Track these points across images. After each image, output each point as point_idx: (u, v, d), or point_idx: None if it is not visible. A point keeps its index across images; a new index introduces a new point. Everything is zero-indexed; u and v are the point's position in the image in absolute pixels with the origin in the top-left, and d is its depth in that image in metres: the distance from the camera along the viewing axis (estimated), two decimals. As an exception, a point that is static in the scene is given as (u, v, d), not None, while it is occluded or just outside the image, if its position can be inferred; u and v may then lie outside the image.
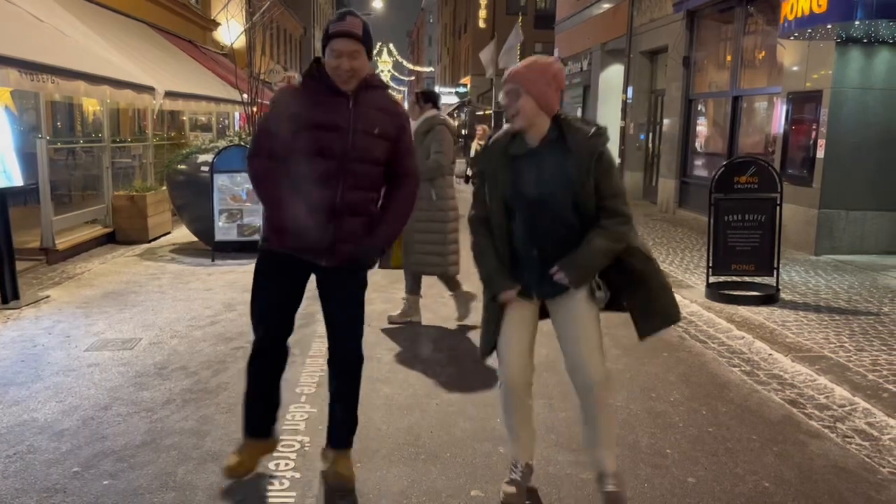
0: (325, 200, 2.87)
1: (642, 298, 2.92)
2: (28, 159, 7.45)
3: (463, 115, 42.83)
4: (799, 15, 8.20)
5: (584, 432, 3.01)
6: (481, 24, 39.63)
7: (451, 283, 5.75)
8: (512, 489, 3.01)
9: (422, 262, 5.58)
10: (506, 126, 2.97)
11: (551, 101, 2.79)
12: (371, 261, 3.10)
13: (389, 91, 3.12)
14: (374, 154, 2.93)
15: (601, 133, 2.79)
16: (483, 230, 2.96)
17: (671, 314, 2.95)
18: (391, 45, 65.99)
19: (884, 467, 3.53)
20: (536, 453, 3.26)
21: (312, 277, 3.09)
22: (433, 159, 5.41)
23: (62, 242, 8.25)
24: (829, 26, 8.12)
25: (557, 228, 2.82)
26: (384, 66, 66.35)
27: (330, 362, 3.19)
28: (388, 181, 3.06)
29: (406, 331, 5.63)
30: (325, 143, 2.84)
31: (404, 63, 72.33)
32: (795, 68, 9.78)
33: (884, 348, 5.31)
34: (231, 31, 18.40)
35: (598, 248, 2.79)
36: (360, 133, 2.87)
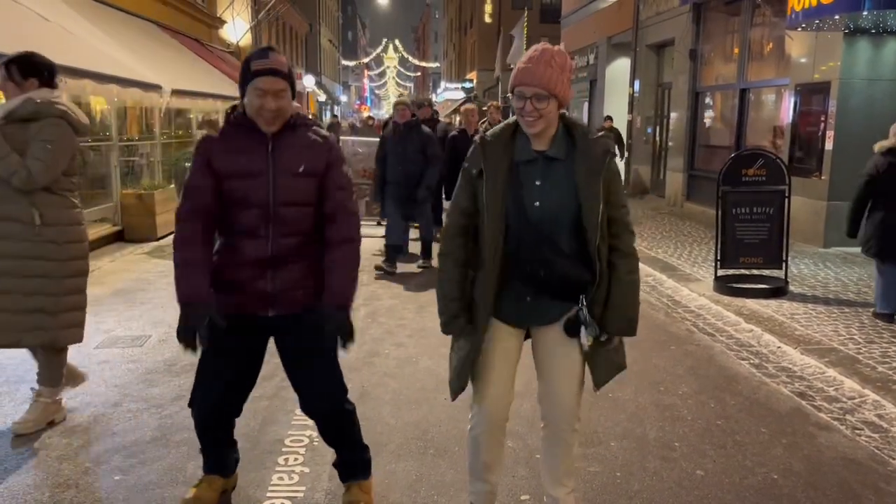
0: (255, 252, 2.66)
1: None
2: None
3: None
4: (806, 6, 8.15)
5: (543, 458, 2.72)
6: (487, 19, 39.50)
7: (56, 360, 3.77)
8: None
9: (8, 327, 3.51)
10: (506, 121, 2.56)
11: (569, 98, 2.44)
12: (335, 329, 2.69)
13: (316, 128, 2.81)
14: (302, 196, 2.68)
15: (607, 135, 2.56)
16: (456, 247, 2.54)
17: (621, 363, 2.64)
18: (397, 42, 65.95)
19: (893, 459, 3.52)
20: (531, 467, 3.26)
21: None
22: (20, 163, 3.43)
23: (71, 241, 8.28)
24: (836, 17, 8.07)
25: (555, 250, 2.42)
26: (390, 63, 66.36)
27: (306, 413, 2.94)
28: (321, 223, 2.76)
29: (413, 326, 5.64)
30: (245, 191, 2.63)
31: (410, 59, 72.28)
32: (803, 60, 9.72)
33: (893, 340, 5.29)
34: (237, 28, 18.46)
35: (635, 286, 2.51)
36: (282, 175, 2.64)
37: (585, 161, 2.41)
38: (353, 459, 3.00)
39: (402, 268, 7.70)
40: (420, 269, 7.82)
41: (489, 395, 2.60)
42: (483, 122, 9.05)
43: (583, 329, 2.46)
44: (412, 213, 7.73)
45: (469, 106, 8.44)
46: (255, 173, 2.64)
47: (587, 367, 2.58)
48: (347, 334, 2.70)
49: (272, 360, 4.92)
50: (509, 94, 2.50)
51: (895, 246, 5.63)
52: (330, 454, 3.43)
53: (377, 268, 7.63)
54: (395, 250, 7.74)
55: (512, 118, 2.52)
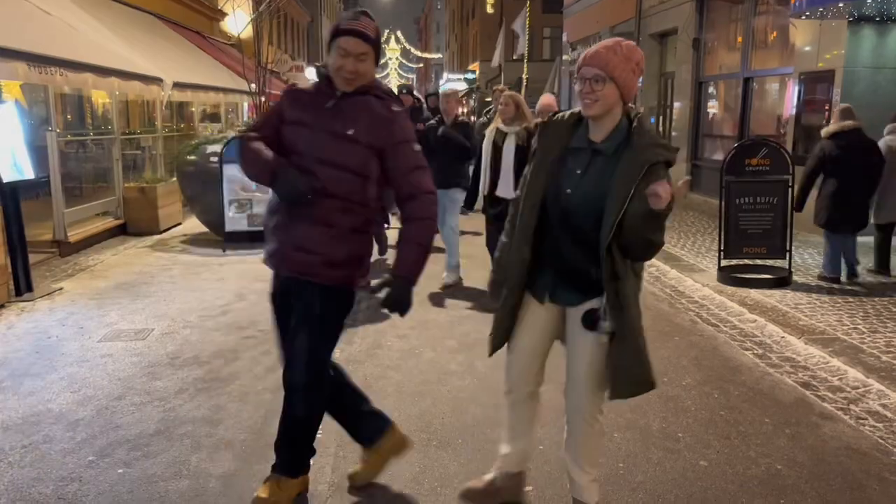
0: (287, 203, 2.68)
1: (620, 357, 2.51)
2: (39, 152, 7.48)
3: (472, 102, 42.62)
4: (811, -7, 8.10)
5: (566, 441, 2.76)
6: (489, 10, 39.35)
7: None
8: (478, 485, 2.90)
9: None
10: (574, 108, 2.60)
11: (633, 90, 2.45)
12: (396, 299, 2.65)
13: (392, 102, 2.76)
14: (344, 159, 2.64)
15: (667, 145, 2.46)
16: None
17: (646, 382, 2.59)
18: (398, 33, 65.75)
19: (898, 449, 3.51)
20: (557, 439, 3.26)
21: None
22: None
23: (74, 235, 8.31)
24: (840, 4, 8.02)
25: (575, 239, 2.49)
26: (392, 54, 66.17)
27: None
28: (399, 206, 2.76)
29: (415, 318, 5.63)
30: (293, 139, 2.69)
31: (412, 50, 72.07)
32: (807, 48, 9.66)
33: (898, 329, 5.27)
34: (238, 20, 18.39)
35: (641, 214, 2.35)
36: (327, 132, 2.65)
37: (628, 163, 2.38)
38: (283, 445, 2.90)
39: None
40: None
41: (512, 364, 2.76)
42: (488, 111, 8.83)
43: (601, 323, 2.48)
44: None
45: (448, 90, 7.38)
46: (306, 124, 2.69)
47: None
48: (405, 307, 2.68)
49: (274, 351, 4.92)
50: (578, 77, 2.47)
51: (840, 217, 6.47)
52: (333, 446, 3.45)
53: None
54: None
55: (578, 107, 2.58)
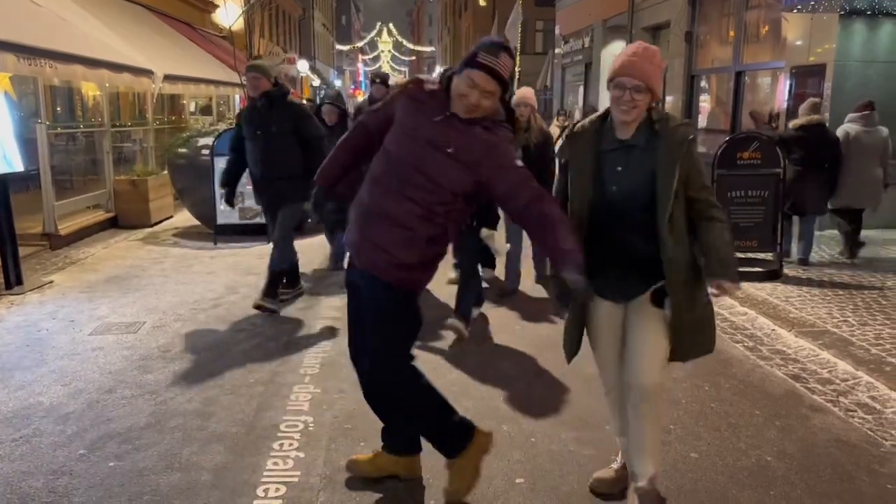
0: (371, 198, 2.73)
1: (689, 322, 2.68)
2: (28, 145, 7.43)
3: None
4: (802, -13, 8.11)
5: (628, 435, 2.84)
6: (482, 2, 39.29)
7: None
8: (607, 474, 3.04)
9: None
10: (593, 114, 2.77)
11: (659, 94, 2.67)
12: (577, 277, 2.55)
13: (500, 129, 2.70)
14: (438, 174, 2.61)
15: (689, 123, 2.63)
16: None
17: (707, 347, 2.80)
18: (391, 25, 65.53)
19: (886, 440, 3.54)
20: (549, 432, 3.27)
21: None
22: None
23: (64, 228, 8.26)
24: (832, -2, 8.03)
25: (629, 227, 2.63)
26: (384, 47, 65.98)
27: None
28: (523, 217, 2.69)
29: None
30: (394, 140, 2.71)
31: (405, 43, 71.88)
32: (799, 42, 9.68)
33: (887, 322, 5.31)
34: (229, 12, 18.29)
35: (727, 239, 2.66)
36: (430, 144, 2.62)
37: (665, 148, 2.58)
38: (408, 430, 3.04)
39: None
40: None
41: (601, 362, 2.90)
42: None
43: (666, 300, 2.65)
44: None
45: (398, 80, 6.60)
46: (411, 130, 2.67)
47: (670, 343, 2.70)
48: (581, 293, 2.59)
49: (266, 343, 4.92)
50: (609, 87, 2.63)
51: (807, 203, 6.99)
52: (326, 439, 3.45)
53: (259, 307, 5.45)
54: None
55: (599, 112, 2.74)
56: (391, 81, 7.60)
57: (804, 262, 7.15)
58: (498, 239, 5.17)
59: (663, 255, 2.58)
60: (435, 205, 2.65)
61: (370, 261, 2.74)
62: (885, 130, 7.16)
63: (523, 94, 5.91)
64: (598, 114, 2.76)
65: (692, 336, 2.71)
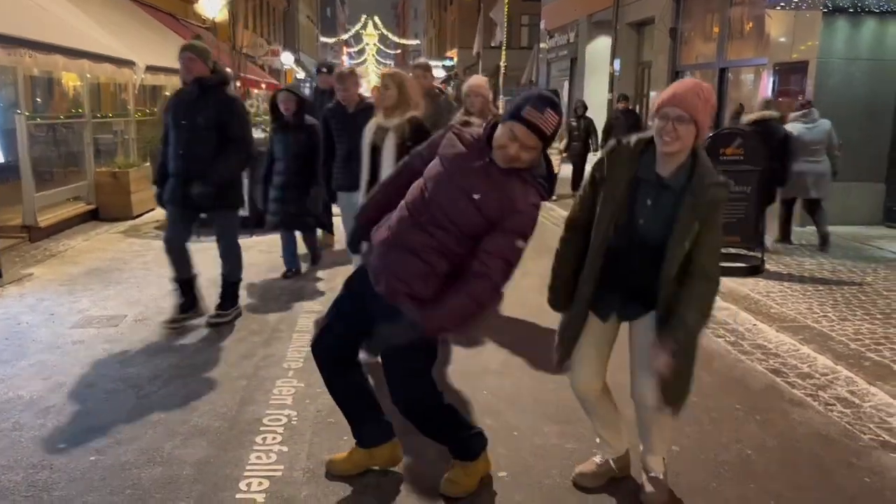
0: (399, 227, 2.68)
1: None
2: (7, 136, 7.33)
3: (450, 89, 42.53)
4: (786, -16, 8.17)
5: (638, 434, 3.04)
6: (467, -3, 39.23)
7: None
8: (588, 468, 3.10)
9: None
10: (641, 134, 2.72)
11: (707, 131, 2.64)
12: (395, 329, 2.63)
13: (533, 188, 2.63)
14: (459, 218, 2.57)
15: (727, 184, 2.63)
16: (574, 236, 2.83)
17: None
18: (376, 18, 65.19)
19: (865, 434, 3.58)
20: (532, 426, 3.29)
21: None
22: None
23: (44, 220, 8.16)
24: (816, -4, 8.10)
25: (648, 263, 2.64)
26: (369, 40, 65.64)
27: None
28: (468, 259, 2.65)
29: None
30: (430, 175, 2.68)
31: (390, 36, 71.59)
32: (782, 39, 9.75)
33: (866, 318, 5.37)
34: (212, 3, 18.11)
35: (694, 326, 2.62)
36: (458, 188, 2.58)
37: (693, 201, 2.57)
38: (447, 445, 3.03)
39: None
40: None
41: (575, 374, 2.96)
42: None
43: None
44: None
45: (346, 70, 5.57)
46: (447, 170, 2.63)
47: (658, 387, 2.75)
48: (383, 343, 2.69)
49: (250, 338, 4.89)
50: (654, 118, 2.59)
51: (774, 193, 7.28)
52: (309, 433, 3.44)
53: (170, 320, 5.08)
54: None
55: (646, 134, 2.68)
56: (360, 72, 7.05)
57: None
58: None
59: (662, 291, 2.63)
60: (453, 245, 2.62)
61: (390, 289, 2.69)
62: (827, 123, 7.57)
63: (476, 84, 5.26)
64: (643, 136, 2.69)
65: (678, 380, 2.70)
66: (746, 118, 7.69)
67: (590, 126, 11.80)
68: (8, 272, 6.33)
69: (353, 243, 3.08)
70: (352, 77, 5.24)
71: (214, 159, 4.72)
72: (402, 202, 2.75)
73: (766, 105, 7.60)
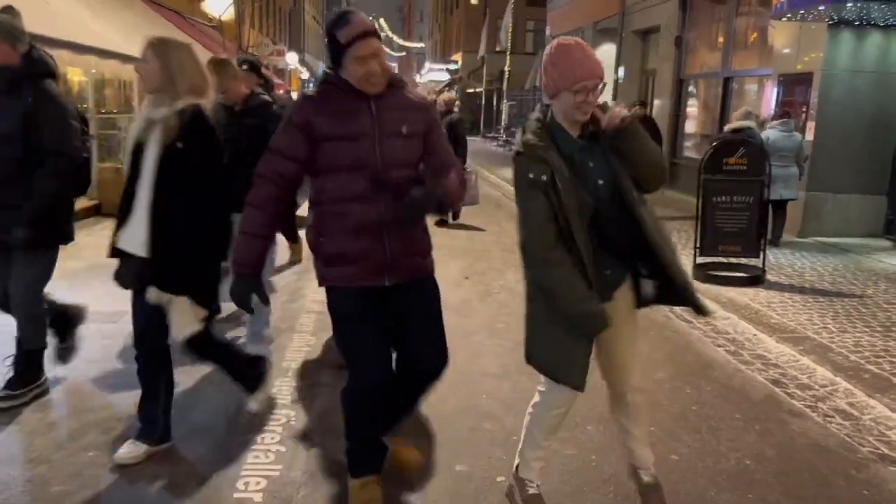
0: (368, 217, 2.60)
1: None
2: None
3: (454, 93, 42.58)
4: (792, -4, 8.19)
5: (628, 431, 2.86)
6: (473, 0, 39.27)
7: None
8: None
9: None
10: (528, 123, 2.62)
11: None
12: (422, 206, 2.61)
13: (412, 89, 2.79)
14: (407, 156, 2.65)
15: (605, 105, 2.61)
16: (562, 254, 2.48)
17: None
18: (382, 21, 65.29)
19: (863, 446, 3.58)
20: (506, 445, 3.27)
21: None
22: None
23: (47, 214, 8.15)
24: (821, 8, 8.11)
25: (631, 214, 2.55)
26: (375, 42, 65.67)
27: (409, 372, 2.87)
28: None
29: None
30: (353, 154, 2.57)
31: (395, 38, 71.71)
32: (787, 50, 9.77)
33: (866, 330, 5.37)
34: (219, 2, 18.15)
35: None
36: (387, 136, 2.60)
37: (607, 136, 2.56)
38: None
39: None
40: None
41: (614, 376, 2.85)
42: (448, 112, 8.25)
43: (643, 281, 2.71)
44: None
45: (224, 58, 4.67)
46: (361, 136, 2.58)
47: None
48: (422, 214, 2.71)
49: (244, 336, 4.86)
50: (575, 90, 2.46)
51: None
52: (308, 433, 3.44)
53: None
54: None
55: (533, 119, 2.59)
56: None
57: None
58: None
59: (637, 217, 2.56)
60: (414, 173, 2.70)
61: (408, 270, 2.72)
62: (799, 136, 8.33)
63: (449, 98, 5.12)
64: (534, 123, 2.59)
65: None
66: (726, 127, 8.21)
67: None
68: (9, 266, 6.31)
69: (247, 303, 2.69)
70: (230, 67, 4.35)
71: (23, 182, 3.42)
72: (338, 198, 2.61)
73: (745, 115, 7.95)
